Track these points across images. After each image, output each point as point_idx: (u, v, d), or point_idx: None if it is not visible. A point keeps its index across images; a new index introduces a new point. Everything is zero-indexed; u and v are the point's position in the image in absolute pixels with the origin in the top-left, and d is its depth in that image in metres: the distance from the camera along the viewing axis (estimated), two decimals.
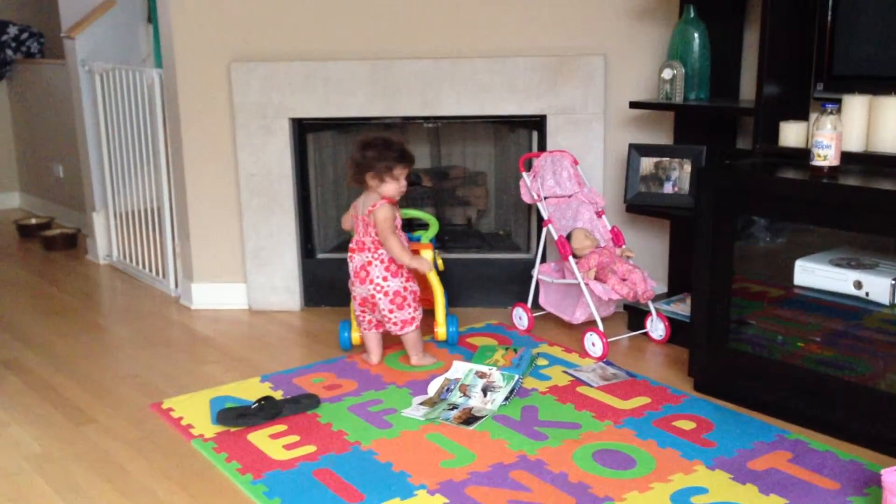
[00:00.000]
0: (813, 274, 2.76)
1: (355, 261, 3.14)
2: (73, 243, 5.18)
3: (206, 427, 2.77)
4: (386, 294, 3.11)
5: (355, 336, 3.34)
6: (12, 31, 5.90)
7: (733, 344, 2.89)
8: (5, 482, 2.49)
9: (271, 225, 3.84)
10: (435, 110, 3.69)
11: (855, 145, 2.77)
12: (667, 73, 3.38)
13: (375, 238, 3.09)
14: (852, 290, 2.67)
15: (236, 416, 2.76)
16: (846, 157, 2.72)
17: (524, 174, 3.54)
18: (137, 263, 4.54)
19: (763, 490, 2.34)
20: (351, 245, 3.16)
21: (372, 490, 2.37)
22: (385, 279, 3.11)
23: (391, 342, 3.36)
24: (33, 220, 5.58)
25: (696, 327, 2.95)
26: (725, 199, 2.81)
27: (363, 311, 3.19)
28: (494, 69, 3.62)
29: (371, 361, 3.25)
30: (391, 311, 3.13)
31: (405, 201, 4.10)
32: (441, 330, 3.36)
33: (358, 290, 3.15)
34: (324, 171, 4.03)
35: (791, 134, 2.94)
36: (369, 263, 3.11)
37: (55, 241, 5.15)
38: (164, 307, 4.07)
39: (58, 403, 3.01)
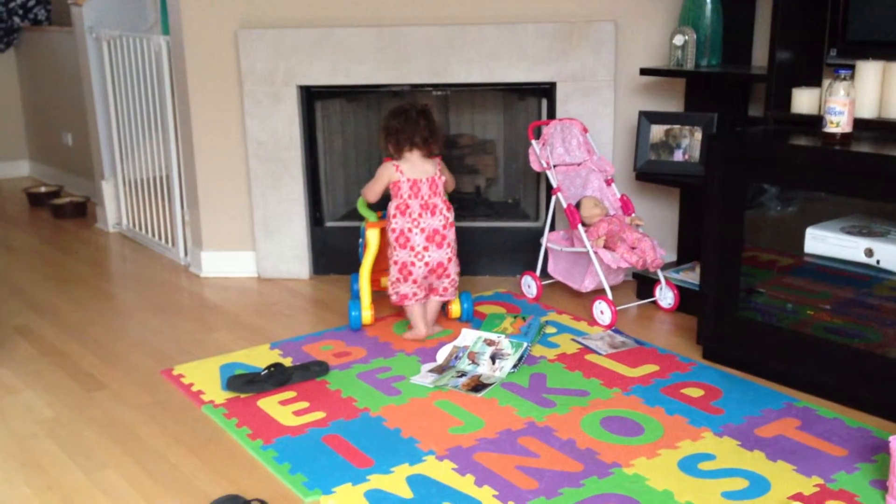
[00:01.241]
0: (824, 242, 2.74)
1: (426, 226, 3.09)
2: (82, 212, 5.19)
3: (216, 393, 2.79)
4: (456, 255, 3.16)
5: (366, 315, 3.27)
6: None
7: (742, 312, 2.89)
8: (18, 446, 2.52)
9: (280, 193, 3.84)
10: (443, 78, 3.67)
11: (868, 112, 2.74)
12: (678, 39, 3.34)
13: (445, 199, 3.13)
14: (863, 258, 2.66)
15: (246, 383, 2.78)
16: (859, 123, 2.69)
17: (533, 142, 3.52)
18: (147, 231, 4.55)
19: (770, 456, 2.34)
20: (410, 213, 3.08)
21: (381, 456, 2.39)
22: (453, 241, 3.15)
23: (400, 310, 3.38)
24: (43, 189, 5.59)
25: (706, 295, 2.94)
26: (736, 167, 2.79)
27: (424, 279, 3.14)
28: (503, 36, 3.58)
29: (420, 335, 3.17)
30: (457, 274, 3.18)
31: None
32: (455, 307, 3.34)
33: (434, 256, 3.10)
34: (332, 139, 4.01)
35: (804, 100, 2.91)
36: (444, 226, 3.11)
37: (65, 210, 5.17)
38: (174, 275, 4.08)
39: (69, 369, 3.03)
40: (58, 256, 4.43)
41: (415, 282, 3.12)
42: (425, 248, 3.10)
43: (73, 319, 3.51)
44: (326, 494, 2.22)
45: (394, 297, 3.15)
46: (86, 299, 3.76)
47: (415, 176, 3.10)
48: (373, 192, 3.20)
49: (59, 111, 5.75)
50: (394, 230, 3.11)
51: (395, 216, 3.11)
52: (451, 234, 3.14)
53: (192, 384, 2.87)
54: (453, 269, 3.17)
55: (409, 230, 3.09)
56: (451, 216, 3.15)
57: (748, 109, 3.47)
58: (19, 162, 6.38)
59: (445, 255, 3.13)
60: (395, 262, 3.13)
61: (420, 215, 3.09)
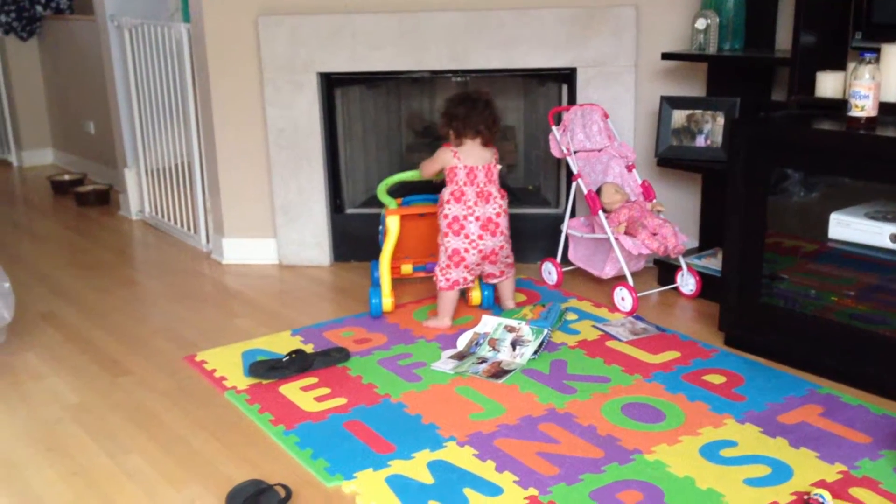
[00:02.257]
0: (848, 227, 2.71)
1: (481, 214, 3.09)
2: (105, 199, 5.23)
3: (238, 379, 2.81)
4: (509, 241, 3.18)
5: (386, 302, 3.26)
6: None
7: (765, 298, 2.87)
8: (45, 431, 2.55)
9: (300, 180, 3.85)
10: (463, 64, 3.65)
11: (894, 95, 2.70)
12: (700, 23, 3.31)
13: (500, 186, 3.14)
14: (888, 244, 2.63)
15: (268, 369, 2.80)
16: (884, 107, 2.65)
17: (553, 128, 3.50)
18: (169, 219, 4.58)
19: (793, 443, 2.33)
20: (465, 201, 3.08)
21: (402, 441, 2.40)
22: (507, 229, 3.16)
23: (421, 297, 3.38)
24: (66, 177, 5.64)
25: (728, 281, 2.93)
26: (759, 152, 2.77)
27: (477, 266, 3.16)
28: (523, 21, 3.56)
29: (445, 326, 3.16)
30: (509, 256, 3.21)
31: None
32: (475, 294, 3.33)
33: (488, 243, 3.11)
34: (352, 126, 4.01)
35: (828, 84, 2.87)
36: (498, 214, 3.12)
37: (88, 197, 5.21)
38: (196, 262, 4.11)
39: (94, 355, 3.07)
40: (82, 244, 4.47)
41: (466, 267, 3.13)
42: (480, 237, 3.11)
43: (98, 306, 3.55)
44: (348, 479, 2.23)
45: (442, 283, 3.14)
46: (110, 286, 3.80)
47: (472, 163, 3.11)
48: (427, 170, 3.24)
49: (81, 99, 5.79)
50: (446, 216, 3.11)
51: (448, 202, 3.11)
52: (504, 222, 3.15)
53: (214, 370, 2.89)
54: (507, 251, 3.20)
55: (465, 217, 3.09)
56: (504, 204, 3.15)
57: (771, 94, 3.43)
58: (43, 150, 6.44)
59: (498, 242, 3.14)
60: (446, 249, 3.12)
61: (476, 203, 3.09)
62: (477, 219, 3.09)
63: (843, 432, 2.38)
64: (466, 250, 3.10)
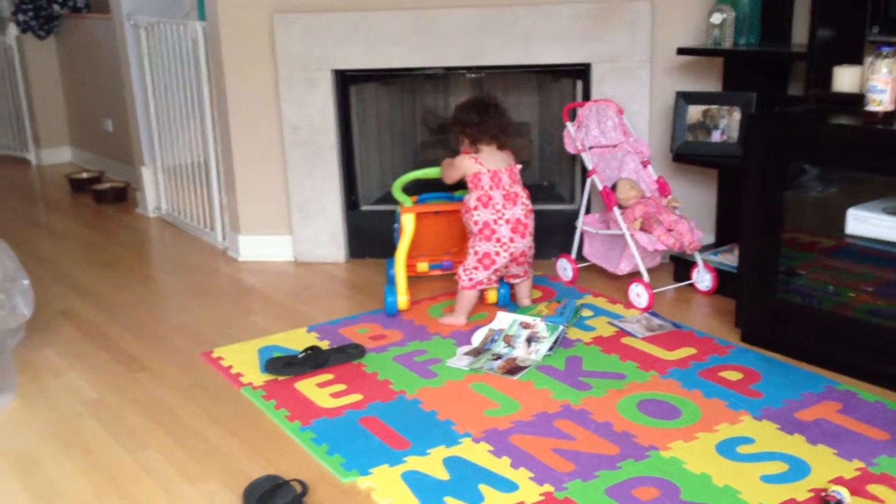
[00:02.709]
0: (866, 223, 2.69)
1: (510, 216, 3.10)
2: (122, 197, 5.27)
3: (255, 375, 2.83)
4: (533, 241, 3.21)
5: (402, 300, 3.25)
6: None
7: (782, 294, 2.85)
8: (64, 426, 2.58)
9: (315, 177, 3.86)
10: (478, 60, 3.65)
11: None
12: (716, 18, 3.29)
13: (524, 186, 3.16)
14: None
15: (284, 365, 2.81)
16: None
17: (568, 124, 3.50)
18: (186, 216, 4.61)
19: (811, 440, 2.32)
20: (493, 205, 3.09)
21: (417, 437, 2.40)
22: (533, 228, 3.18)
23: (436, 293, 3.38)
24: (84, 175, 5.69)
25: (744, 277, 2.91)
26: (776, 147, 2.75)
27: (505, 268, 3.17)
28: (538, 17, 3.56)
29: (461, 323, 3.15)
30: (531, 258, 3.23)
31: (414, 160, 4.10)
32: (492, 293, 3.32)
33: (518, 245, 3.13)
34: (367, 123, 4.02)
35: (845, 79, 2.85)
36: (526, 216, 3.13)
37: (105, 195, 5.25)
38: (212, 259, 4.13)
39: (112, 351, 3.09)
40: (100, 241, 4.51)
41: (496, 271, 3.15)
42: (511, 240, 3.11)
43: (116, 302, 3.58)
44: (364, 475, 2.24)
45: (465, 283, 3.14)
46: (127, 283, 3.83)
47: (494, 167, 3.12)
48: (448, 176, 3.22)
49: (99, 98, 5.83)
50: (476, 223, 3.11)
51: (476, 208, 3.11)
52: (531, 223, 3.16)
53: (231, 366, 2.91)
54: (532, 251, 3.22)
55: (495, 221, 3.10)
56: (530, 203, 3.16)
57: (788, 88, 3.41)
58: (61, 148, 6.49)
59: (527, 243, 3.16)
60: (476, 252, 3.13)
61: (504, 206, 3.10)
62: (507, 221, 3.10)
63: (861, 429, 2.37)
64: (497, 253, 3.12)
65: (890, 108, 2.58)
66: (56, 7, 6.00)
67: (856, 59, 2.93)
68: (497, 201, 3.10)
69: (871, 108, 2.59)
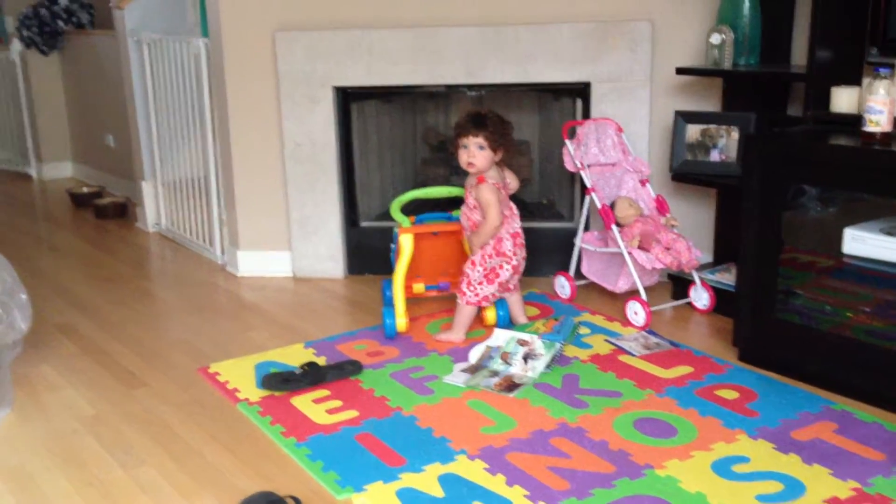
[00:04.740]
0: (863, 243, 2.70)
1: (514, 230, 3.16)
2: (123, 212, 5.28)
3: (251, 391, 2.83)
4: None
5: (400, 322, 3.22)
6: (63, 2, 5.99)
7: (779, 314, 2.85)
8: (60, 442, 2.57)
9: (316, 194, 3.87)
10: (479, 78, 3.67)
11: None
12: (715, 38, 3.31)
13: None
14: None
15: (281, 381, 2.81)
16: None
17: (568, 142, 3.51)
18: (185, 231, 4.62)
19: (806, 460, 2.31)
20: (510, 220, 3.16)
21: (413, 454, 2.40)
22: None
23: (433, 310, 3.38)
24: (85, 189, 5.70)
25: (742, 297, 2.91)
26: (774, 167, 2.76)
27: (507, 282, 3.19)
28: (538, 36, 3.58)
29: (459, 339, 3.15)
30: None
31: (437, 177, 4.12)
32: (490, 314, 3.29)
33: (518, 257, 3.18)
34: (367, 141, 4.04)
35: (843, 100, 2.87)
36: (520, 227, 3.20)
37: (106, 210, 5.26)
38: (211, 274, 4.14)
39: (110, 367, 3.09)
40: (100, 256, 4.52)
41: (500, 285, 3.16)
42: (514, 253, 3.15)
43: (115, 318, 3.58)
44: (358, 492, 2.23)
45: (472, 299, 3.14)
46: (126, 298, 3.83)
47: (499, 181, 3.15)
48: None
49: (101, 113, 5.86)
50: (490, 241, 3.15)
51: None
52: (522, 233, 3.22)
53: (227, 382, 2.91)
54: (524, 264, 3.25)
55: (501, 237, 3.13)
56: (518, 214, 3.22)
57: (787, 109, 3.43)
58: (63, 163, 6.52)
59: (523, 254, 3.19)
60: (485, 268, 3.14)
61: (507, 219, 3.15)
62: (512, 236, 3.13)
63: (857, 449, 2.36)
64: (501, 266, 3.14)
65: (887, 128, 2.59)
66: (60, 23, 6.04)
67: (854, 80, 2.94)
68: (512, 218, 3.17)
69: (869, 128, 2.60)
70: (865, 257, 2.70)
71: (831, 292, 2.93)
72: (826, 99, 2.91)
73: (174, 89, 4.42)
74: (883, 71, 2.58)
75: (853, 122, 2.75)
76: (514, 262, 3.16)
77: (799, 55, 3.32)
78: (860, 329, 2.75)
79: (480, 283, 3.14)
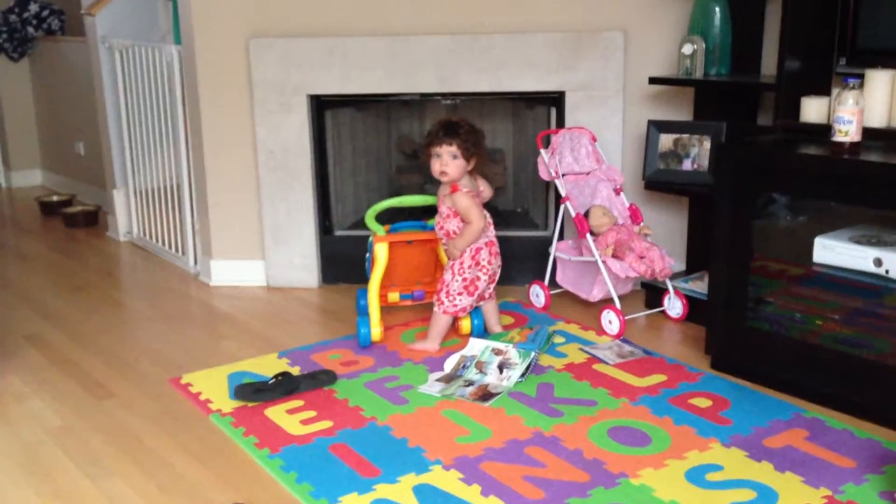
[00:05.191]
0: (833, 251, 2.73)
1: (489, 239, 3.17)
2: (93, 220, 5.22)
3: (224, 402, 2.80)
4: None
5: (375, 332, 3.20)
6: (33, 8, 5.92)
7: (751, 322, 2.87)
8: (26, 454, 2.53)
9: (289, 202, 3.85)
10: (453, 87, 3.67)
11: (877, 121, 2.73)
12: (687, 49, 3.34)
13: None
14: (872, 268, 2.64)
15: (254, 392, 2.78)
16: (868, 132, 2.68)
17: (542, 151, 3.52)
18: (157, 240, 4.57)
19: (779, 468, 2.33)
20: (485, 229, 3.15)
21: (387, 465, 2.38)
22: None
23: (408, 319, 3.37)
24: (55, 198, 5.63)
25: (714, 305, 2.93)
26: (745, 176, 2.79)
27: (484, 291, 3.19)
28: (512, 45, 3.59)
29: (434, 349, 3.13)
30: None
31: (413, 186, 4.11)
32: (465, 323, 3.27)
33: (493, 266, 3.18)
34: (342, 148, 4.02)
35: (812, 109, 2.90)
36: (494, 236, 3.20)
37: (76, 219, 5.20)
38: (184, 283, 4.10)
39: (78, 377, 3.05)
40: (69, 265, 4.46)
41: (478, 294, 3.16)
42: (489, 262, 3.15)
43: (84, 328, 3.53)
44: None
45: (450, 308, 3.13)
46: (96, 307, 3.78)
47: (473, 189, 3.15)
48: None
49: (71, 120, 5.79)
50: (469, 248, 3.13)
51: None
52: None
53: (199, 393, 2.87)
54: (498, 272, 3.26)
55: (479, 246, 3.13)
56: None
57: (757, 118, 3.46)
58: (32, 171, 6.43)
59: (499, 262, 3.19)
60: (465, 279, 3.13)
61: (484, 230, 3.14)
62: (487, 244, 3.14)
63: (828, 456, 2.38)
64: (478, 278, 3.14)
65: (856, 138, 2.62)
66: (30, 29, 5.97)
67: (823, 90, 2.98)
68: (490, 227, 3.18)
69: (838, 138, 2.63)
70: (835, 266, 2.73)
71: (802, 300, 2.96)
72: (796, 108, 2.94)
73: (146, 97, 4.38)
74: (851, 81, 2.61)
75: (822, 131, 2.79)
76: (490, 272, 3.16)
77: (769, 65, 3.36)
78: (830, 337, 2.77)
79: (460, 294, 3.13)
